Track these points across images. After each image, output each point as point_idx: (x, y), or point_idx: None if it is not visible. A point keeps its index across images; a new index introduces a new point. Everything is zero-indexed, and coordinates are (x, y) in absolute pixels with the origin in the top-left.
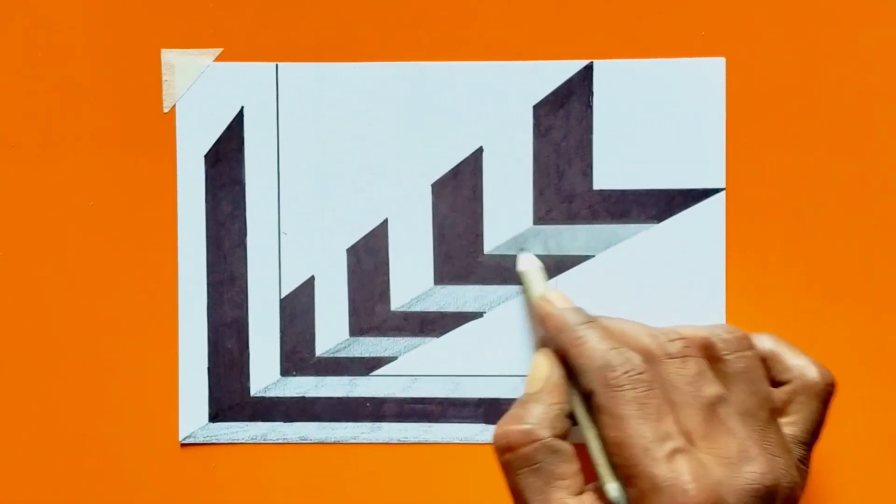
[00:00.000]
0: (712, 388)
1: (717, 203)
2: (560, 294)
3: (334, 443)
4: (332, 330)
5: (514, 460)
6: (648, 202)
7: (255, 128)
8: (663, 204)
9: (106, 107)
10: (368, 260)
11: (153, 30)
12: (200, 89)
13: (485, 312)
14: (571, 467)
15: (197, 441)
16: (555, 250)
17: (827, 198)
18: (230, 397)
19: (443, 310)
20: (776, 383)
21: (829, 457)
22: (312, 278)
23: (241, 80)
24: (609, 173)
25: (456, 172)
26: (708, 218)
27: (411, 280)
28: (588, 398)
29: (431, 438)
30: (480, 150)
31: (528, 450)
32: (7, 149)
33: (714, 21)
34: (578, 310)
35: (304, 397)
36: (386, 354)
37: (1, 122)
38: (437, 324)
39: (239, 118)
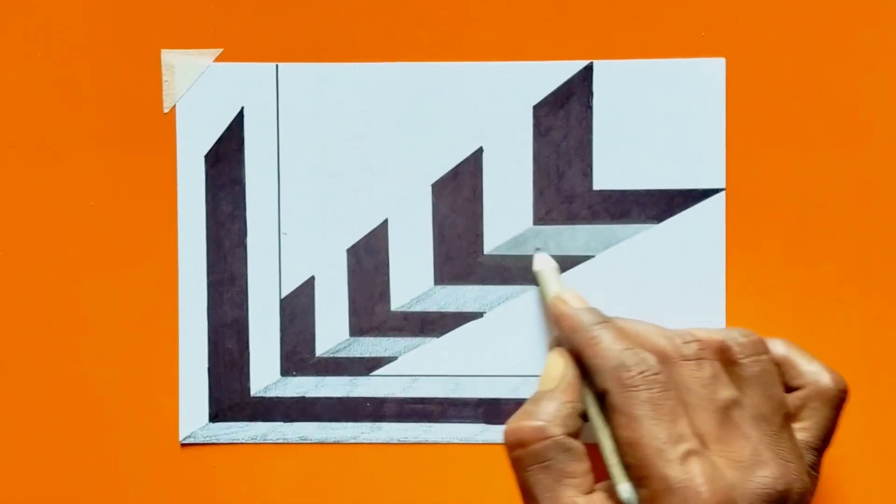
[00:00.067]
0: (727, 392)
1: (717, 203)
2: (575, 294)
3: (334, 443)
4: (332, 330)
5: (524, 457)
6: (648, 202)
7: (255, 128)
8: (663, 204)
9: (106, 107)
10: (368, 260)
11: (153, 30)
12: (200, 89)
13: (485, 312)
14: (582, 466)
15: (197, 441)
16: (555, 250)
17: (827, 198)
18: (230, 397)
19: (443, 310)
20: (788, 389)
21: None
22: (312, 278)
23: (241, 80)
24: (609, 173)
25: (456, 172)
26: (708, 218)
27: (411, 280)
28: (602, 398)
29: (431, 438)
30: (480, 150)
31: (539, 446)
32: (7, 149)
33: (714, 21)
34: (593, 310)
35: (304, 397)
36: (386, 354)
37: (1, 122)
38: (437, 324)
39: (239, 118)
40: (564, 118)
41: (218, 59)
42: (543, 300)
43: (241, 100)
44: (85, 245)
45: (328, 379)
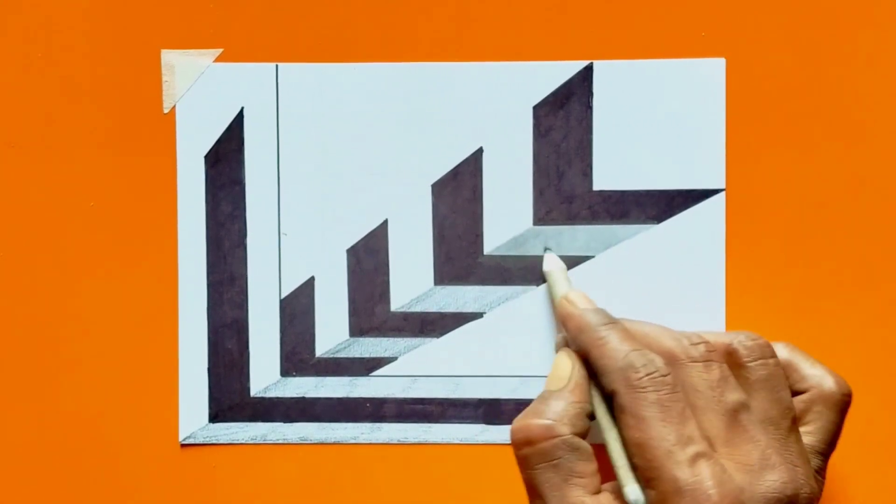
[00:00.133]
0: (735, 395)
1: (717, 203)
2: (582, 294)
3: (334, 443)
4: (332, 330)
5: (532, 455)
6: (648, 203)
7: (255, 128)
8: (663, 204)
9: (106, 107)
10: (368, 260)
11: (153, 30)
12: (200, 90)
13: (485, 313)
14: (590, 466)
15: (197, 441)
16: (555, 251)
17: (827, 198)
18: (230, 397)
19: (443, 310)
20: (793, 393)
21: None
22: (312, 279)
23: (241, 81)
24: (609, 174)
25: (456, 173)
26: (708, 218)
27: (411, 280)
28: (610, 399)
29: (431, 439)
30: (480, 150)
31: (547, 445)
32: (7, 149)
33: (714, 21)
34: (600, 311)
35: (304, 398)
36: (386, 355)
37: (1, 122)
38: (437, 324)
39: (239, 118)
40: (564, 118)
41: (218, 59)
42: (552, 301)
43: (241, 100)
44: (85, 245)
45: (328, 379)
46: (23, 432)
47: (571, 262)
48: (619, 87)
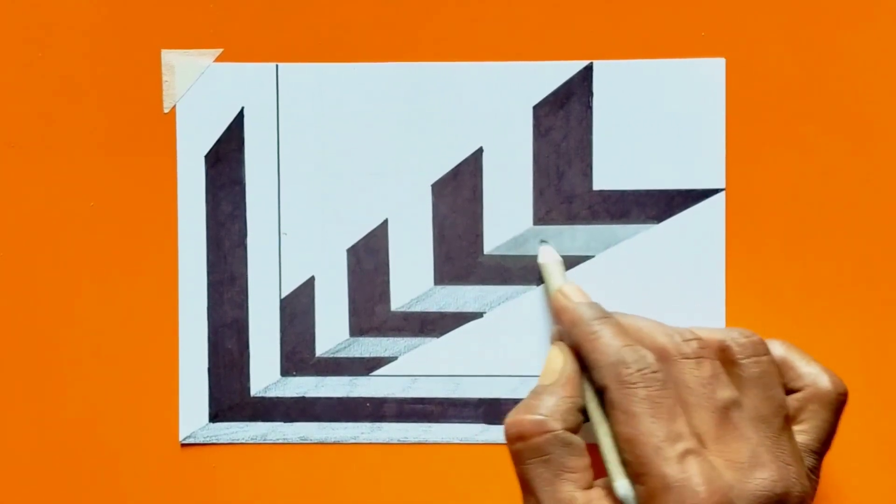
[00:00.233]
0: (726, 392)
1: (716, 203)
2: (577, 288)
3: (334, 443)
4: (332, 330)
5: (524, 450)
6: (648, 202)
7: (255, 128)
8: (663, 204)
9: (106, 107)
10: (368, 260)
11: (153, 30)
12: (200, 90)
13: (485, 312)
14: (581, 461)
15: (197, 441)
16: (555, 250)
17: (827, 198)
18: (230, 397)
19: (443, 310)
20: (788, 391)
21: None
22: (312, 278)
23: (241, 81)
24: (609, 174)
25: (456, 172)
26: (708, 218)
27: (411, 280)
28: (601, 394)
29: (431, 438)
30: (480, 150)
31: (539, 440)
32: (7, 149)
33: (714, 21)
34: (594, 305)
35: (304, 397)
36: (386, 354)
37: (1, 122)
38: (437, 324)
39: (239, 118)
40: (564, 118)
41: (218, 59)
42: (547, 293)
43: (241, 100)
44: (85, 245)
45: (328, 379)
46: (23, 432)
47: (571, 262)
48: (619, 87)
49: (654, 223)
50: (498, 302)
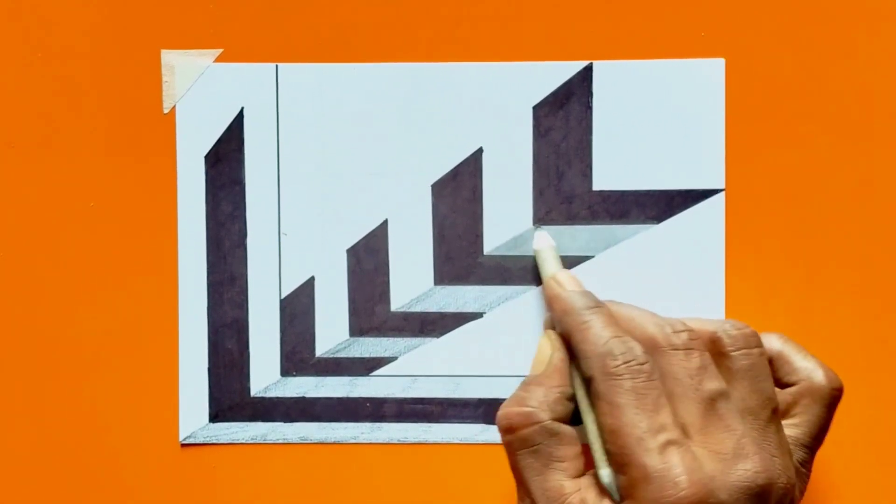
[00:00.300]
0: (714, 383)
1: (716, 203)
2: (570, 276)
3: (334, 443)
4: (332, 330)
5: (514, 441)
6: (648, 203)
7: (255, 128)
8: (663, 204)
9: (106, 107)
10: (368, 260)
11: (153, 30)
12: (200, 90)
13: (485, 312)
14: (571, 450)
15: (197, 441)
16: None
17: (827, 197)
18: (230, 397)
19: (443, 310)
20: (783, 384)
21: (831, 459)
22: (312, 278)
23: (241, 81)
24: (609, 174)
25: (456, 173)
26: (708, 218)
27: (411, 280)
28: (588, 383)
29: (431, 438)
30: (480, 150)
31: (527, 432)
32: (7, 149)
33: (714, 21)
34: (587, 293)
35: (304, 397)
36: (386, 355)
37: (1, 122)
38: (437, 324)
39: (239, 118)
40: (564, 118)
41: (218, 60)
42: (542, 279)
43: (241, 100)
44: (85, 245)
45: (328, 379)
46: (23, 432)
47: (571, 262)
48: (618, 87)
49: (653, 223)
50: (498, 302)
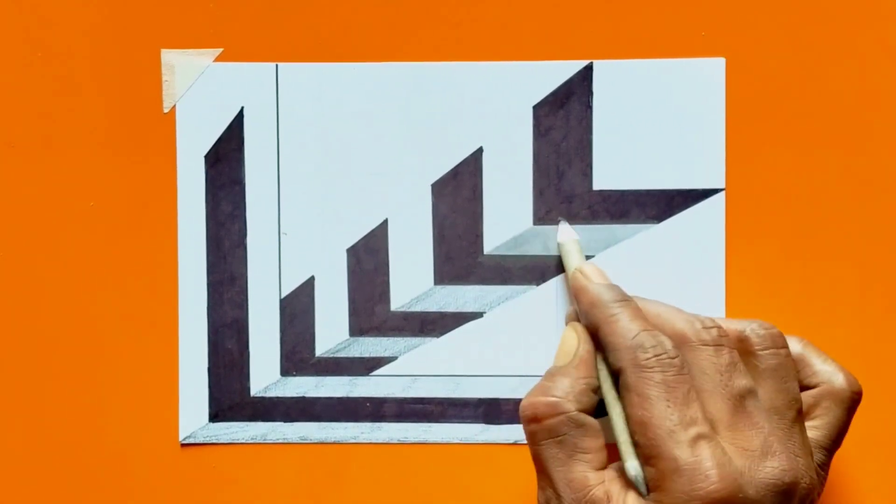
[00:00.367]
0: (743, 380)
1: (716, 203)
2: (596, 268)
3: (334, 443)
4: (332, 330)
5: (538, 431)
6: (648, 202)
7: (255, 128)
8: (663, 204)
9: (106, 107)
10: (368, 260)
11: (153, 30)
12: (200, 89)
13: (485, 312)
14: (595, 442)
15: (197, 441)
16: (555, 250)
17: (827, 197)
18: (230, 397)
19: (443, 310)
20: (802, 387)
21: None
22: (312, 278)
23: (241, 80)
24: (609, 173)
25: (456, 172)
26: (708, 218)
27: (411, 280)
28: (616, 375)
29: (431, 438)
30: (480, 150)
31: (553, 422)
32: (7, 149)
33: (714, 21)
34: (614, 286)
35: (304, 397)
36: (386, 354)
37: (1, 122)
38: (437, 324)
39: (239, 118)
40: (564, 118)
41: (218, 59)
42: (566, 272)
43: (241, 100)
44: (85, 245)
45: (328, 379)
46: (23, 432)
47: None
48: (618, 86)
49: (653, 223)
50: (498, 302)
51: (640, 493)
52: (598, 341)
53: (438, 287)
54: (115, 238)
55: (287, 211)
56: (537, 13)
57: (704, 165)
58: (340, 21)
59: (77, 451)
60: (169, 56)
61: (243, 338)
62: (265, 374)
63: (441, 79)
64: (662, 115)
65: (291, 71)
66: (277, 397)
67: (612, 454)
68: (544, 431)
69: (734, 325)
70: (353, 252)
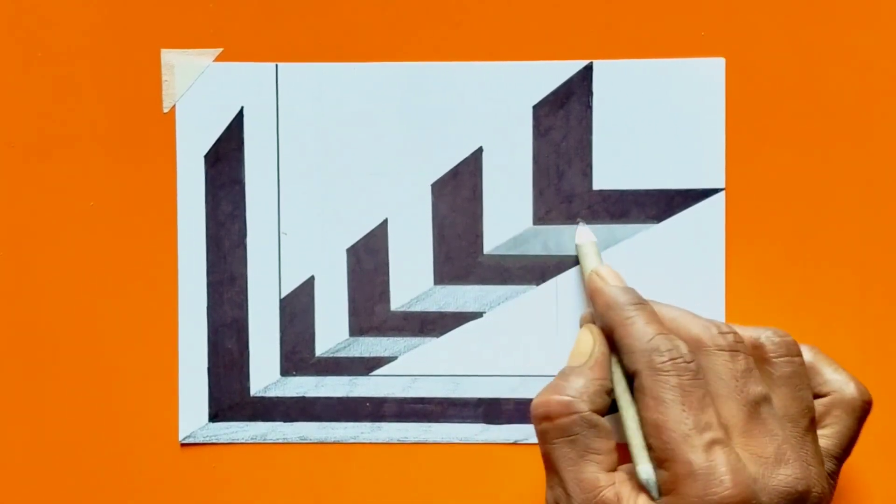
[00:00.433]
0: (758, 387)
1: (716, 203)
2: (613, 271)
3: (334, 443)
4: (332, 330)
5: (551, 430)
6: (648, 202)
7: (255, 128)
8: (663, 204)
9: (106, 107)
10: (368, 260)
11: (153, 30)
12: (200, 89)
13: (485, 312)
14: (607, 443)
15: (197, 441)
16: (555, 250)
17: (827, 197)
18: (230, 397)
19: (443, 310)
20: (813, 395)
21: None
22: (312, 278)
23: (241, 80)
24: (609, 173)
25: (456, 172)
26: (708, 218)
27: (411, 280)
28: (630, 378)
29: (431, 438)
30: (480, 150)
31: (565, 421)
32: (7, 149)
33: (714, 21)
34: (630, 289)
35: (304, 397)
36: (386, 354)
37: (1, 122)
38: (437, 324)
39: (239, 118)
40: (564, 118)
41: (218, 59)
42: (581, 274)
43: (240, 100)
44: (85, 245)
45: (328, 379)
46: (23, 432)
47: (572, 262)
48: (618, 86)
49: (653, 223)
50: (498, 302)
51: (651, 497)
52: (614, 344)
53: (438, 287)
54: (115, 238)
55: (287, 211)
56: (537, 13)
57: (704, 165)
58: (340, 21)
59: (77, 451)
60: (169, 56)
61: (243, 338)
62: (265, 374)
63: (441, 79)
64: (662, 115)
65: (291, 71)
66: (277, 397)
67: (623, 456)
68: (556, 430)
69: (749, 333)
70: (353, 252)
